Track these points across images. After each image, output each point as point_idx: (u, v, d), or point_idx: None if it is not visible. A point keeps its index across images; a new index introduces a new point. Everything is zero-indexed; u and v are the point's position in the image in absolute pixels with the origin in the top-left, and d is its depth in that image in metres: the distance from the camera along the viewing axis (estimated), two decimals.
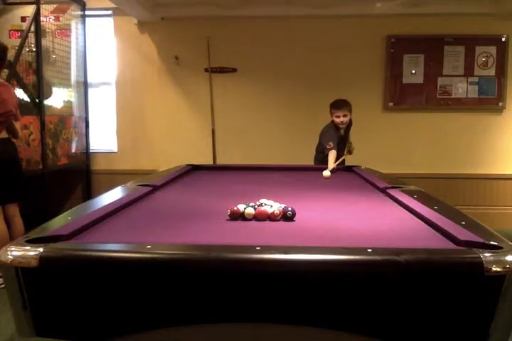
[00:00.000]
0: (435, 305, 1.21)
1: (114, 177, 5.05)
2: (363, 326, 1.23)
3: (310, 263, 1.23)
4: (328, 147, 3.70)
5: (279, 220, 1.74)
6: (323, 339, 1.27)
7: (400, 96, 5.23)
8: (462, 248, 1.32)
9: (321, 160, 3.96)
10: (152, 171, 4.51)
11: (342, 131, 3.98)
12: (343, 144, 3.99)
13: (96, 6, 5.29)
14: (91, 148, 5.49)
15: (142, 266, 1.24)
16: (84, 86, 5.37)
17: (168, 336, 1.28)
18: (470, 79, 5.16)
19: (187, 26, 5.25)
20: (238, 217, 1.75)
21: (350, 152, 4.04)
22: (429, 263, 1.23)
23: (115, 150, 5.56)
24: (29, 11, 4.47)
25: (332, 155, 3.59)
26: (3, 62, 3.50)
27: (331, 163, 3.49)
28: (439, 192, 4.24)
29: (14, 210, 3.55)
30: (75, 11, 5.18)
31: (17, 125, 3.59)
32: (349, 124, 4.06)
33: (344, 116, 3.85)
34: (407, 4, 4.89)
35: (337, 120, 3.87)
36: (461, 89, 5.18)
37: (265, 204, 1.82)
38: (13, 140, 3.57)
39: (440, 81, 5.18)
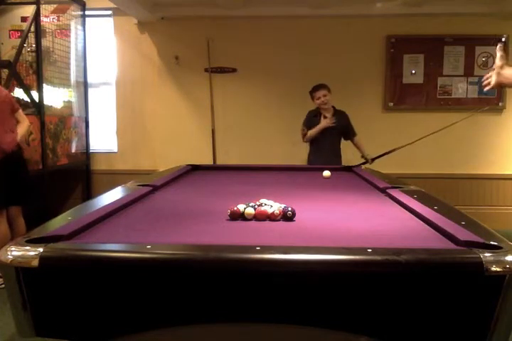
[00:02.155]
0: (435, 305, 1.21)
1: (114, 177, 5.06)
2: (363, 326, 1.23)
3: (310, 263, 1.23)
4: (302, 132, 4.11)
5: (279, 220, 1.74)
6: (324, 339, 1.27)
7: (400, 96, 5.24)
8: (462, 248, 1.32)
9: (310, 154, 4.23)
10: (152, 171, 4.51)
11: (328, 115, 4.09)
12: (334, 131, 4.09)
13: (96, 6, 5.29)
14: (91, 148, 5.49)
15: (142, 266, 1.24)
16: (84, 86, 5.38)
17: (168, 336, 1.28)
18: (470, 79, 5.17)
19: (187, 26, 5.25)
20: (238, 217, 1.75)
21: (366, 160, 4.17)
22: (429, 263, 1.23)
23: (115, 150, 5.57)
24: (29, 11, 4.48)
25: (308, 137, 4.08)
26: None
27: (314, 130, 4.03)
28: (439, 192, 4.24)
29: (17, 211, 3.56)
30: (75, 11, 5.19)
31: (21, 127, 3.56)
32: (348, 123, 4.19)
33: (324, 95, 4.04)
34: (407, 4, 4.89)
35: (318, 101, 4.06)
36: (461, 89, 5.18)
37: (265, 204, 1.81)
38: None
39: (440, 81, 5.19)
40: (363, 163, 4.05)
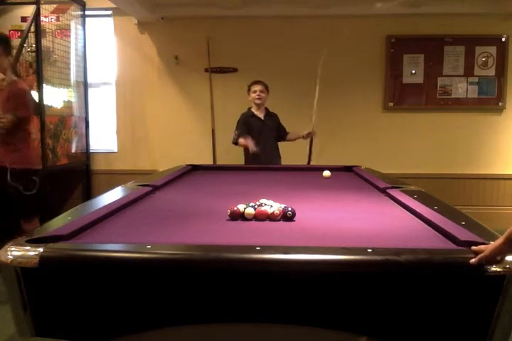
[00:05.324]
0: (435, 305, 1.21)
1: (114, 177, 5.06)
2: (363, 326, 1.23)
3: (310, 263, 1.23)
4: (234, 136, 3.98)
5: (279, 220, 1.74)
6: (324, 339, 1.27)
7: (400, 96, 5.24)
8: (462, 248, 1.32)
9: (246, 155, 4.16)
10: (152, 171, 4.51)
11: (260, 114, 4.09)
12: (269, 131, 4.10)
13: (96, 6, 5.29)
14: (91, 148, 5.49)
15: (142, 266, 1.24)
16: (84, 86, 5.38)
17: (167, 336, 1.28)
18: (470, 79, 5.17)
19: (187, 26, 5.25)
20: (238, 217, 1.75)
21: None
22: (429, 263, 1.23)
23: (115, 150, 5.56)
24: (29, 11, 4.47)
25: (240, 143, 3.92)
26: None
27: (247, 142, 3.84)
28: (439, 192, 4.23)
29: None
30: (74, 11, 5.19)
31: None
32: (279, 124, 4.22)
33: (261, 91, 4.02)
34: (407, 4, 4.89)
35: (253, 94, 4.04)
36: (461, 89, 5.18)
37: (265, 204, 1.81)
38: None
39: (440, 81, 5.19)
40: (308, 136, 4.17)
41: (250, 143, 3.83)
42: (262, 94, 4.02)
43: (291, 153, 5.04)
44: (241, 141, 3.89)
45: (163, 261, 1.25)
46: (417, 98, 5.22)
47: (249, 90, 4.08)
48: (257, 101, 4.04)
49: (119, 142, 5.54)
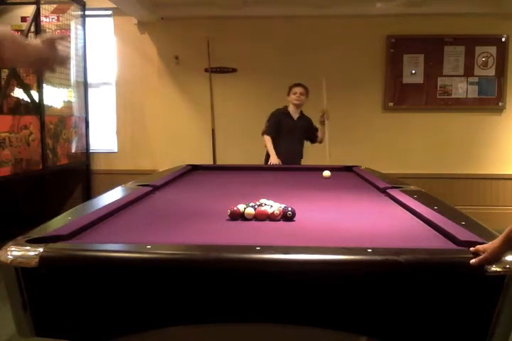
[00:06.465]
0: (435, 305, 1.21)
1: (114, 177, 5.06)
2: (363, 326, 1.23)
3: (310, 263, 1.23)
4: (264, 128, 4.07)
5: (279, 220, 1.74)
6: (323, 339, 1.27)
7: (400, 96, 5.24)
8: (462, 248, 1.32)
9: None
10: (152, 171, 4.51)
11: (295, 114, 4.13)
12: (298, 132, 4.14)
13: (96, 6, 5.30)
14: (91, 148, 5.49)
15: (142, 266, 1.24)
16: (84, 86, 5.38)
17: (167, 336, 1.28)
18: (470, 79, 5.17)
19: (187, 26, 5.25)
20: (238, 217, 1.75)
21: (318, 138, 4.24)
22: (429, 263, 1.23)
23: (115, 150, 5.57)
24: (29, 11, 4.47)
25: (266, 140, 4.00)
26: None
27: (270, 150, 3.95)
28: (439, 192, 4.23)
29: None
30: (74, 11, 5.19)
31: None
32: (311, 126, 4.23)
33: (301, 93, 4.09)
34: (407, 4, 4.89)
35: (293, 96, 4.10)
36: (461, 89, 5.18)
37: (265, 205, 1.81)
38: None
39: (440, 81, 5.19)
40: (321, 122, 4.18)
41: (276, 161, 3.94)
42: (302, 97, 4.10)
43: (311, 151, 4.98)
44: (272, 158, 3.96)
45: (163, 261, 1.25)
46: (417, 98, 5.22)
47: (289, 91, 4.16)
48: (296, 102, 4.12)
49: (119, 142, 5.54)
